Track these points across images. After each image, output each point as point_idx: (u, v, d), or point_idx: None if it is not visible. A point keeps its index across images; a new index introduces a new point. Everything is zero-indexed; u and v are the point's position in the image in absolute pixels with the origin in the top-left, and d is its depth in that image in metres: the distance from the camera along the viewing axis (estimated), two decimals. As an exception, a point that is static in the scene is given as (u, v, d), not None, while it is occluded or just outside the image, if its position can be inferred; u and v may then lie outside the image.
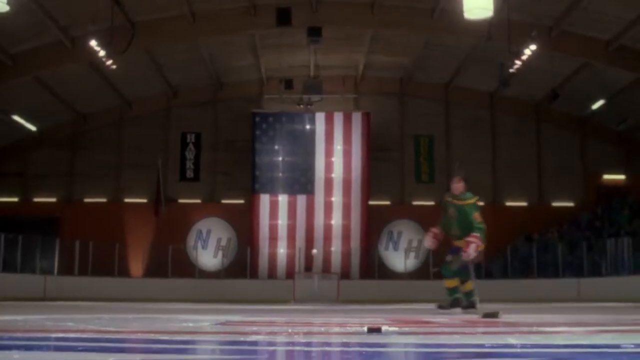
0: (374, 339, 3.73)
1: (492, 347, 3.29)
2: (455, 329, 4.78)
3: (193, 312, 8.87)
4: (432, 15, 20.80)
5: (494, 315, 6.91)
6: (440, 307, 9.66)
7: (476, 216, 8.97)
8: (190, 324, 5.24)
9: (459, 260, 9.00)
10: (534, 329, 4.71)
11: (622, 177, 27.73)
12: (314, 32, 20.11)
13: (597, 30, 21.09)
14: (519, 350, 3.14)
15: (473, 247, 8.68)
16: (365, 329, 4.32)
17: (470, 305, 9.14)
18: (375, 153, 26.78)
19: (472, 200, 9.02)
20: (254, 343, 3.49)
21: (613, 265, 21.90)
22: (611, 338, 3.78)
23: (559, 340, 3.67)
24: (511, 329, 4.87)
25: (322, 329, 4.82)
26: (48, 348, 3.22)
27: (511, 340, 3.59)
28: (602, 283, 21.10)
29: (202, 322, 5.57)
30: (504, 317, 6.66)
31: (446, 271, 9.54)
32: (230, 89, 27.12)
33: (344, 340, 3.76)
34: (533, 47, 19.40)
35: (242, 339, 3.68)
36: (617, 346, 3.23)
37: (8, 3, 15.34)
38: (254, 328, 4.90)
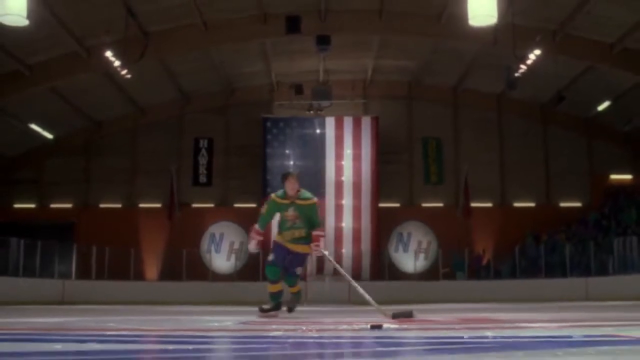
0: (376, 333, 4.25)
1: (470, 337, 3.92)
2: (446, 325, 5.23)
3: (212, 313, 9.37)
4: (439, 21, 21.22)
5: (406, 315, 6.63)
6: (262, 310, 8.92)
7: (317, 215, 8.65)
8: (216, 324, 5.74)
9: (301, 260, 8.79)
10: (514, 324, 5.19)
11: (629, 177, 28.02)
12: (323, 41, 20.58)
13: (601, 33, 21.45)
14: (490, 340, 3.77)
15: (323, 241, 8.60)
16: (369, 326, 4.91)
17: (291, 309, 8.99)
18: (385, 156, 27.17)
19: (314, 201, 8.55)
20: (277, 337, 3.99)
21: (621, 264, 22.21)
22: (571, 331, 4.25)
23: (525, 333, 4.24)
24: (493, 324, 5.35)
25: (332, 327, 5.29)
26: (116, 341, 3.73)
27: (488, 333, 4.12)
28: (610, 282, 21.35)
29: (225, 322, 6.05)
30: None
31: (272, 274, 8.77)
32: (242, 94, 27.59)
33: (350, 335, 4.25)
34: (537, 51, 19.82)
35: (265, 334, 4.16)
36: (570, 336, 3.72)
37: (27, 17, 15.90)
38: (273, 326, 5.38)
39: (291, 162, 26.96)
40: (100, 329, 5.13)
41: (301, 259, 8.77)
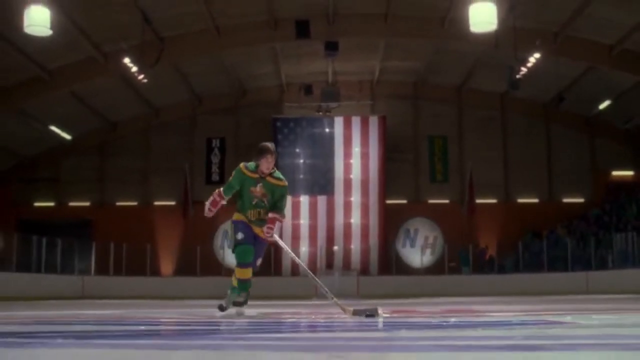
0: (370, 319, 5.15)
1: (440, 321, 4.90)
2: (425, 314, 6.09)
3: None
4: (443, 25, 21.93)
5: (369, 313, 6.09)
6: (221, 307, 7.61)
7: (284, 203, 7.59)
8: (254, 312, 6.71)
9: (262, 248, 7.67)
10: (480, 313, 6.08)
11: (630, 173, 28.68)
12: (331, 46, 21.43)
13: (601, 35, 22.12)
14: (452, 321, 4.80)
15: (278, 226, 7.58)
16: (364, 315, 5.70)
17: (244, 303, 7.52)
18: (391, 154, 27.91)
19: (285, 184, 7.56)
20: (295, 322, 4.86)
21: (620, 259, 22.89)
22: (515, 317, 5.15)
23: (479, 319, 5.21)
24: (463, 313, 6.25)
25: (336, 315, 6.18)
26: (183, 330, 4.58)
27: (452, 319, 5.06)
28: (610, 276, 22.01)
29: (249, 313, 6.93)
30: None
31: (246, 255, 7.44)
32: (252, 95, 28.38)
33: (351, 321, 5.13)
34: (537, 55, 20.54)
35: (285, 320, 5.03)
36: (509, 321, 4.63)
37: (50, 28, 16.80)
38: (288, 316, 6.29)
39: (301, 161, 27.78)
40: (151, 317, 6.03)
41: (263, 247, 7.67)
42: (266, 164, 7.27)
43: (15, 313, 7.57)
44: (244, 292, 7.45)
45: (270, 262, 25.95)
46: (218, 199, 7.67)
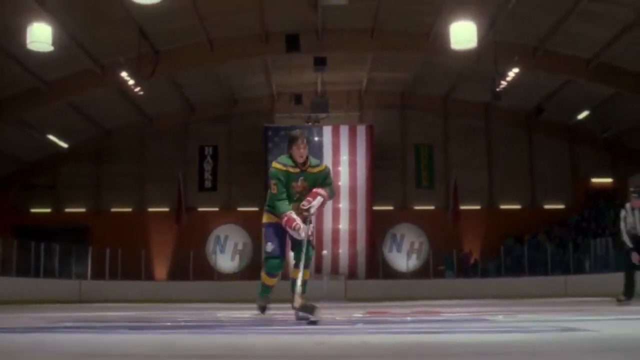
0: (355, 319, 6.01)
1: (397, 319, 5.82)
2: (394, 314, 7.00)
3: (227, 309, 11.02)
4: (427, 39, 22.83)
5: (306, 308, 5.98)
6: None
7: (330, 177, 7.11)
8: (248, 315, 7.59)
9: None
10: (440, 313, 7.05)
11: (609, 180, 29.72)
12: (320, 62, 22.41)
13: (578, 49, 23.08)
14: (409, 318, 5.77)
15: (319, 200, 6.76)
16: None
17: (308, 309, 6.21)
18: (379, 162, 28.79)
19: (323, 166, 7.05)
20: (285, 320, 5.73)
21: (597, 263, 23.84)
22: (463, 316, 6.07)
23: (435, 317, 6.19)
24: (426, 314, 7.19)
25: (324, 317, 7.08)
26: (198, 328, 5.42)
27: (408, 317, 5.93)
28: (587, 280, 22.87)
29: (245, 314, 7.84)
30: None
31: (275, 267, 7.11)
32: (244, 104, 29.22)
33: (337, 323, 6.00)
34: (516, 69, 21.53)
35: (276, 319, 5.90)
36: (454, 319, 5.55)
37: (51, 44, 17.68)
38: (280, 317, 7.18)
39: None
40: (166, 319, 6.93)
41: (303, 244, 6.79)
42: (298, 151, 6.75)
43: (45, 314, 8.36)
44: (266, 296, 7.36)
45: (261, 267, 26.73)
46: (296, 221, 6.60)
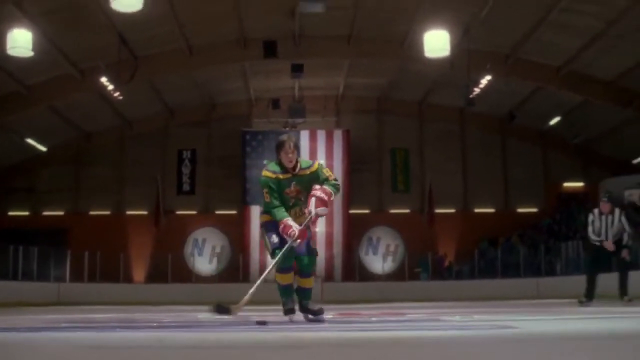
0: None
1: (362, 320, 6.23)
2: (361, 315, 7.41)
3: (207, 311, 11.31)
4: (402, 47, 23.31)
5: (223, 310, 6.01)
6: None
7: (328, 172, 6.79)
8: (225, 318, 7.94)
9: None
10: (403, 314, 7.49)
11: (580, 184, 30.42)
12: (297, 68, 22.85)
13: (548, 57, 23.72)
14: (375, 319, 6.13)
15: (313, 203, 6.46)
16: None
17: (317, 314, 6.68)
18: (355, 165, 29.22)
19: (316, 166, 6.74)
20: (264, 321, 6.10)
21: (569, 266, 24.41)
22: (419, 316, 6.50)
23: (397, 318, 6.61)
24: (390, 315, 7.61)
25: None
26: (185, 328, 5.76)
27: (374, 318, 6.43)
28: (558, 282, 23.41)
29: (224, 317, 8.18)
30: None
31: (283, 260, 6.52)
32: (222, 109, 29.55)
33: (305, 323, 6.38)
34: (488, 77, 22.09)
35: (257, 320, 6.26)
36: (413, 320, 5.97)
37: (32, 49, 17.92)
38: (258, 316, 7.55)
39: (269, 172, 28.95)
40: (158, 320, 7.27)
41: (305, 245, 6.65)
42: (286, 156, 6.50)
43: (38, 316, 8.64)
44: (289, 299, 6.74)
45: (238, 269, 27.16)
46: (292, 227, 6.38)
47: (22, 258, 23.47)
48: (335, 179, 6.76)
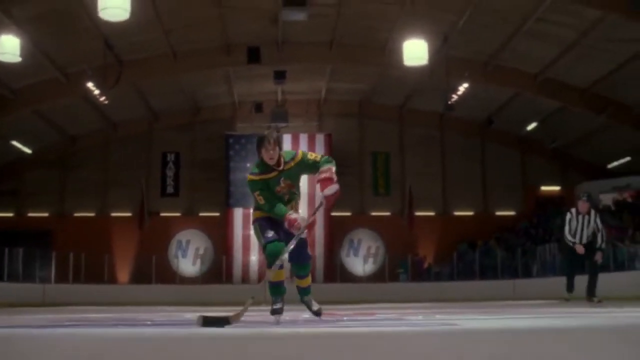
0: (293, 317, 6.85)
1: (333, 319, 6.65)
2: (339, 317, 7.87)
3: (192, 312, 11.75)
4: (383, 53, 23.83)
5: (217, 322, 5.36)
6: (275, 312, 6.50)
7: (312, 155, 6.63)
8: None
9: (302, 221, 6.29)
10: (373, 313, 8.01)
11: (557, 188, 31.13)
12: (279, 75, 23.39)
13: (525, 65, 24.34)
14: (345, 319, 6.58)
15: (334, 188, 6.37)
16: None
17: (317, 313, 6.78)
18: (337, 169, 29.44)
19: (300, 155, 6.51)
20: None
21: (545, 268, 25.04)
22: (388, 315, 7.01)
23: (368, 317, 7.10)
24: (362, 315, 8.13)
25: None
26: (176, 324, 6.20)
27: (345, 317, 6.92)
28: (533, 283, 24.03)
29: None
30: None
31: (275, 254, 6.32)
32: (206, 113, 29.93)
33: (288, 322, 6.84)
34: (466, 85, 22.69)
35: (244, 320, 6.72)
36: (382, 318, 6.48)
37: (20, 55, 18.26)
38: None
39: (252, 175, 29.41)
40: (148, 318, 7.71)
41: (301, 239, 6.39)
42: (267, 154, 6.25)
43: (37, 316, 9.04)
44: (278, 297, 6.48)
45: (222, 271, 27.59)
46: (288, 217, 6.25)
47: (7, 259, 23.73)
48: (323, 155, 6.56)
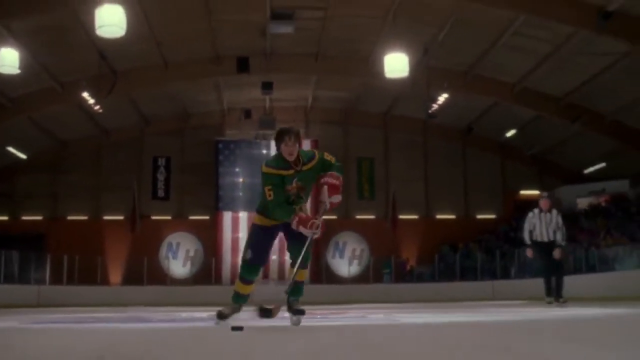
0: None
1: (309, 317, 7.53)
2: (314, 315, 8.76)
3: (185, 311, 12.62)
4: (367, 64, 24.73)
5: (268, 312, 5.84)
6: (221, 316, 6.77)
7: (329, 156, 6.47)
8: (205, 314, 9.26)
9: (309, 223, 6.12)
10: (349, 313, 8.94)
11: (536, 192, 32.02)
12: (267, 86, 24.40)
13: (503, 75, 25.35)
14: (318, 317, 7.41)
15: (325, 190, 6.24)
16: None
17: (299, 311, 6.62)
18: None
19: (318, 156, 6.35)
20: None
21: (520, 270, 25.99)
22: (360, 314, 7.96)
23: (340, 315, 7.98)
24: (339, 313, 9.01)
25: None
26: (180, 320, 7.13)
27: (319, 316, 7.77)
28: (511, 285, 24.94)
29: (203, 314, 9.54)
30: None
31: (250, 273, 6.67)
32: (196, 119, 30.78)
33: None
34: (446, 95, 23.72)
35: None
36: (352, 316, 7.39)
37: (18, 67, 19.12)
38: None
39: (241, 180, 30.41)
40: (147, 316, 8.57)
41: (302, 244, 6.36)
42: (287, 149, 6.03)
43: (53, 315, 9.89)
44: (235, 305, 6.71)
45: (211, 272, 28.41)
46: (296, 219, 6.10)
47: (3, 262, 24.46)
48: (337, 161, 6.40)
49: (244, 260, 6.52)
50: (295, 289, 6.52)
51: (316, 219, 5.99)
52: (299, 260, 6.26)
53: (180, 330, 5.09)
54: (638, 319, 6.74)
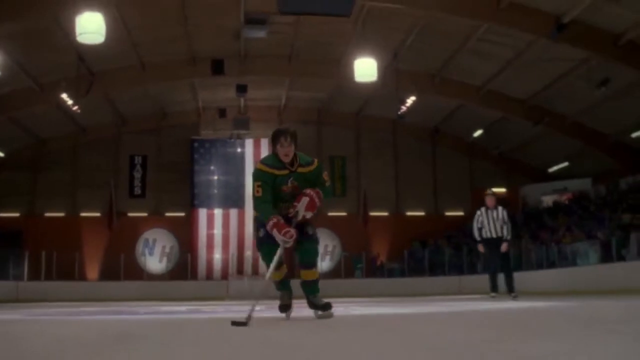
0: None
1: None
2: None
3: (164, 305, 13.33)
4: (339, 66, 25.52)
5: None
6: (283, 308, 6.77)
7: (326, 176, 6.54)
8: (184, 308, 10.05)
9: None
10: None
11: (503, 190, 33.15)
12: (241, 89, 25.15)
13: (470, 78, 26.30)
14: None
15: (303, 202, 6.16)
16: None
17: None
18: (297, 172, 31.25)
19: (316, 164, 6.41)
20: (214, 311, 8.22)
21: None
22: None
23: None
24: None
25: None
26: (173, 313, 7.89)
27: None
28: (477, 280, 25.71)
29: (181, 308, 10.30)
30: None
31: (268, 257, 6.49)
32: (172, 118, 31.40)
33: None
34: (414, 97, 24.62)
35: (207, 311, 8.37)
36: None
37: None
38: (208, 310, 9.68)
39: (216, 178, 31.13)
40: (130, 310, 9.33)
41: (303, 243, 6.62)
42: (282, 150, 6.04)
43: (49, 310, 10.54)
44: (285, 292, 6.88)
45: (187, 268, 29.09)
46: (283, 227, 5.98)
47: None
48: (330, 186, 6.48)
49: (259, 241, 6.49)
50: (307, 289, 6.80)
51: (291, 228, 5.95)
52: (272, 264, 6.34)
53: (174, 320, 5.81)
54: (581, 311, 7.26)
